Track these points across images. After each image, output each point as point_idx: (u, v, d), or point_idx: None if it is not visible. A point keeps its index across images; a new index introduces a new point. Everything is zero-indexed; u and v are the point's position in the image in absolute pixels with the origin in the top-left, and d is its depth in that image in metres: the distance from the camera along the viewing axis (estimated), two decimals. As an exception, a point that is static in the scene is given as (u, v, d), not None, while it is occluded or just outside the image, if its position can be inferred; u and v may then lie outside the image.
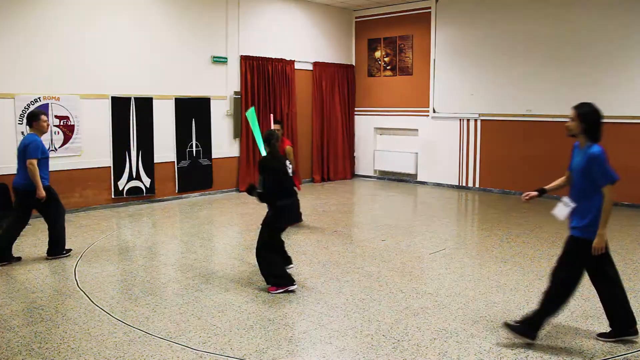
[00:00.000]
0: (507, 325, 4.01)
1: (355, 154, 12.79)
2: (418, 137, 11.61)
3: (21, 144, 5.91)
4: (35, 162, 5.69)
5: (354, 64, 12.66)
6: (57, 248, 6.10)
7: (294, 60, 11.30)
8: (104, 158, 8.74)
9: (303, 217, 7.79)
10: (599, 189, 3.79)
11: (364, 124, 12.53)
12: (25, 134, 6.40)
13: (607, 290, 3.99)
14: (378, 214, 8.69)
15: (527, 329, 3.91)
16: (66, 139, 8.27)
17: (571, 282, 3.87)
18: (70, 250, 6.27)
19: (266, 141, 5.23)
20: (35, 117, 5.86)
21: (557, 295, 3.90)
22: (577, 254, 3.89)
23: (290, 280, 4.99)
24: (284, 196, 5.07)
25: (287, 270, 5.20)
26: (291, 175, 5.36)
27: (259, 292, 5.02)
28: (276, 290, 4.97)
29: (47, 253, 6.11)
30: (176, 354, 3.78)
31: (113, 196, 8.88)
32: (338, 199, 9.85)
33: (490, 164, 10.59)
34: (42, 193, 5.73)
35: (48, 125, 6.06)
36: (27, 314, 4.51)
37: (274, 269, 5.02)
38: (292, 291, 4.96)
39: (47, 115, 6.11)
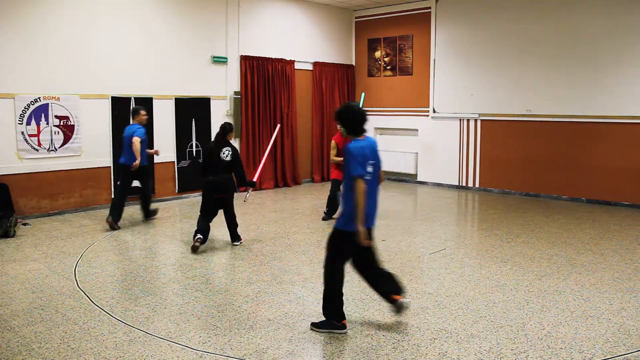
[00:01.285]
0: (314, 325, 4.18)
1: None
2: (418, 137, 11.61)
3: (128, 131, 7.54)
4: (138, 140, 7.34)
5: (354, 64, 12.66)
6: (149, 210, 7.94)
7: (294, 60, 11.30)
8: (104, 158, 8.74)
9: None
10: (351, 184, 3.97)
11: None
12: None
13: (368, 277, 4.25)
14: (378, 214, 8.69)
15: (327, 323, 4.12)
16: (66, 139, 8.27)
17: (332, 268, 4.07)
18: (157, 210, 8.11)
19: (220, 130, 6.54)
20: (136, 112, 7.68)
21: (326, 281, 4.11)
22: (334, 243, 4.10)
23: (196, 232, 6.32)
24: (209, 174, 6.38)
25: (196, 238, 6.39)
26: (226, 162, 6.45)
27: (259, 292, 5.02)
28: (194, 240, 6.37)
29: (144, 217, 7.95)
30: (176, 354, 3.78)
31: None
32: (338, 199, 9.85)
33: (490, 164, 10.59)
34: (137, 164, 7.33)
35: (146, 118, 7.81)
36: (27, 314, 4.51)
37: (197, 224, 6.42)
38: (198, 242, 6.25)
39: (145, 110, 7.79)
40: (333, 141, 7.99)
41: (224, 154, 6.38)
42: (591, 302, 4.74)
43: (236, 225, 6.70)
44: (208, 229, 6.43)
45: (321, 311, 4.21)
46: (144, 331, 4.16)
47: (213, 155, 6.39)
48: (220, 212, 6.61)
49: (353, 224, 3.95)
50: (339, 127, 7.98)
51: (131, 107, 7.72)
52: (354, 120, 4.10)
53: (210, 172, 6.40)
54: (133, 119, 7.74)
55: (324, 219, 8.03)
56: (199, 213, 6.50)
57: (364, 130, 4.12)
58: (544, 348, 3.87)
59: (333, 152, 7.89)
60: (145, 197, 7.87)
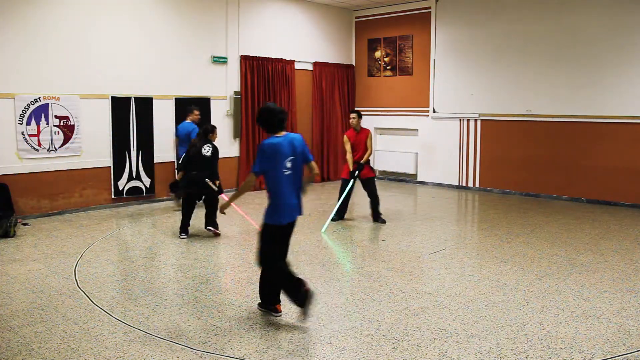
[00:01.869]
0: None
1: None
2: (418, 137, 11.61)
3: (184, 129, 8.58)
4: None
5: (354, 64, 12.66)
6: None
7: (294, 60, 11.30)
8: (104, 158, 8.74)
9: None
10: (270, 179, 4.21)
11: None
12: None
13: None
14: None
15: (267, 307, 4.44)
16: (66, 139, 8.27)
17: (268, 257, 4.30)
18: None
19: (202, 130, 7.14)
20: (191, 111, 8.74)
21: (266, 271, 4.34)
22: (263, 236, 4.31)
23: (181, 232, 7.05)
24: (192, 169, 6.85)
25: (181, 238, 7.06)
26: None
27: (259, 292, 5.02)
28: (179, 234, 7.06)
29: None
30: (176, 354, 3.78)
31: (113, 196, 8.88)
32: (338, 199, 9.85)
33: (490, 164, 10.59)
34: None
35: (199, 117, 8.79)
36: (27, 314, 4.51)
37: (181, 218, 7.11)
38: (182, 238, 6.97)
39: (199, 109, 8.88)
40: (345, 136, 7.94)
41: (205, 149, 6.90)
42: (591, 302, 4.74)
43: (214, 215, 7.08)
44: (191, 214, 7.10)
45: (306, 306, 4.22)
46: (144, 331, 4.16)
47: (195, 152, 6.91)
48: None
49: (276, 217, 4.22)
50: (351, 121, 7.95)
51: (189, 106, 8.92)
52: (269, 119, 4.26)
53: (193, 168, 6.90)
54: (187, 117, 8.74)
55: (333, 219, 7.86)
56: (184, 206, 7.10)
57: (281, 128, 4.27)
58: (544, 348, 3.87)
59: (347, 146, 7.84)
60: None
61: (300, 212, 4.39)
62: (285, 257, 4.42)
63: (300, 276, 4.31)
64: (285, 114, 4.31)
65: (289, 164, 4.21)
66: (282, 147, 4.18)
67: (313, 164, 4.43)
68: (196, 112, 8.73)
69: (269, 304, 4.43)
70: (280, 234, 4.31)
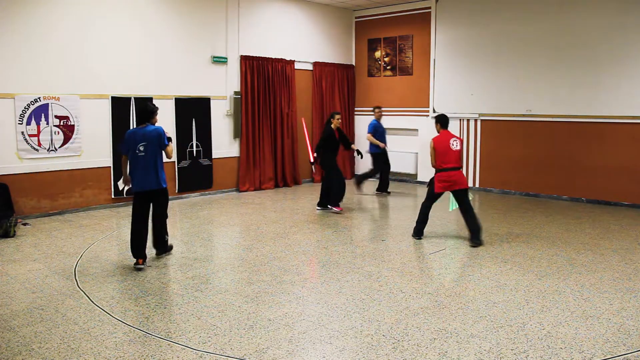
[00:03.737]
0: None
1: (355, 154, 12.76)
2: (418, 137, 11.61)
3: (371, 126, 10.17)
4: (370, 135, 10.16)
5: (354, 64, 12.66)
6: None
7: (294, 60, 11.30)
8: (104, 158, 8.74)
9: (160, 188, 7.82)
10: (130, 158, 5.66)
11: (364, 124, 12.52)
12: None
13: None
14: (378, 214, 8.69)
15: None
16: (66, 139, 8.27)
17: (132, 213, 5.73)
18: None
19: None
20: (374, 111, 10.45)
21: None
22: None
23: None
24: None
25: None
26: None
27: (259, 292, 5.02)
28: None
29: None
30: (176, 354, 3.78)
31: (113, 196, 8.88)
32: (338, 199, 9.84)
33: (490, 164, 10.59)
34: (383, 145, 10.20)
35: (380, 113, 10.50)
36: (27, 314, 4.51)
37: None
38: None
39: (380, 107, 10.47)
40: (431, 141, 6.76)
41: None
42: (591, 302, 4.74)
43: (328, 194, 8.61)
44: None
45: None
46: (144, 331, 4.16)
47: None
48: None
49: (133, 185, 5.63)
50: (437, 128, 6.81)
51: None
52: (137, 114, 5.69)
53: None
54: (375, 115, 10.37)
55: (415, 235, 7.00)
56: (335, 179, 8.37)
57: (143, 121, 5.65)
58: (544, 348, 3.87)
59: (434, 153, 6.70)
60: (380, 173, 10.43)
61: (153, 185, 5.61)
62: (159, 217, 5.81)
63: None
64: (148, 112, 5.64)
65: (142, 148, 5.55)
66: (135, 135, 5.59)
67: (167, 149, 5.67)
68: (377, 110, 10.30)
69: (132, 254, 5.72)
70: (139, 197, 5.67)
